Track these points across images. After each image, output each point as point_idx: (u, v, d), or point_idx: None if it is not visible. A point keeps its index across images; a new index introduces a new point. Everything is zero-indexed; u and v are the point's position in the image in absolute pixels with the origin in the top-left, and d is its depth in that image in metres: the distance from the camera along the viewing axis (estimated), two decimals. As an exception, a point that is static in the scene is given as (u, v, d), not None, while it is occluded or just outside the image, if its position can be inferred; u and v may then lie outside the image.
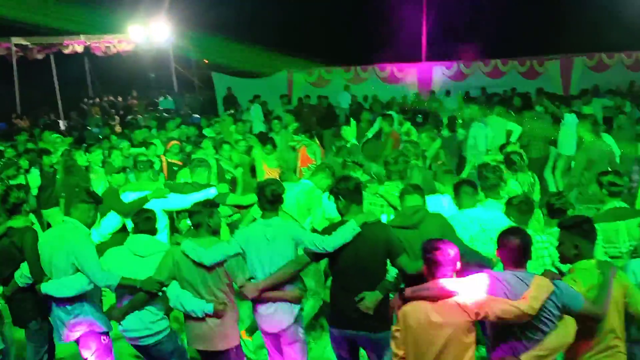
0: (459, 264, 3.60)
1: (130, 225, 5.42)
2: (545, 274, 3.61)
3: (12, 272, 4.81)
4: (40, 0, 17.36)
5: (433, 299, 3.45)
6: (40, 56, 17.97)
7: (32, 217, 5.88)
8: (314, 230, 5.13)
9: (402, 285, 3.88)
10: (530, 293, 3.35)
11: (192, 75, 22.02)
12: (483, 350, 5.14)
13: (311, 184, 6.01)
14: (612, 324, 3.57)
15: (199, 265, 4.31)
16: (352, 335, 4.26)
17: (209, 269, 4.33)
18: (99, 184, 7.61)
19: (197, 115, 15.53)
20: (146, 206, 5.68)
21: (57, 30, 17.67)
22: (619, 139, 8.10)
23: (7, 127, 15.69)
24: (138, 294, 4.47)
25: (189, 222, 4.86)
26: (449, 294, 3.42)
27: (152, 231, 4.80)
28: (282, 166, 8.60)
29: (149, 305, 4.54)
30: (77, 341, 4.67)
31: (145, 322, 4.54)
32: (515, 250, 3.54)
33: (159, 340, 4.60)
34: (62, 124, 17.40)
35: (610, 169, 5.74)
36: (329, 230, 4.36)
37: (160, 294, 4.52)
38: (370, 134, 10.10)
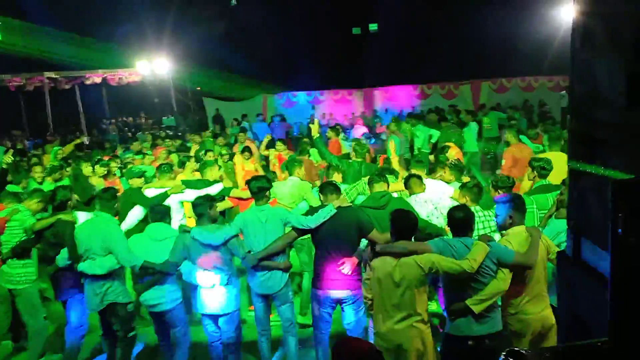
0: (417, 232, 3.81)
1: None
2: (481, 237, 3.83)
3: (56, 254, 5.03)
4: (67, 42, 18.15)
5: (397, 255, 3.65)
6: (67, 86, 19.02)
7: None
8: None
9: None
10: (471, 255, 3.55)
11: (188, 100, 22.57)
12: (434, 305, 5.48)
13: (298, 179, 6.26)
14: (538, 274, 3.78)
15: (207, 246, 4.43)
16: (334, 294, 4.45)
17: (216, 248, 4.44)
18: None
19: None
20: (167, 199, 5.88)
21: (81, 65, 18.75)
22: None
23: (43, 142, 15.59)
24: (157, 274, 4.62)
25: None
26: (410, 253, 3.62)
27: (166, 221, 4.92)
28: (257, 169, 8.64)
29: (167, 280, 4.72)
30: (104, 310, 4.80)
31: (163, 293, 4.72)
32: (460, 222, 3.76)
33: (173, 307, 4.77)
34: (85, 139, 17.32)
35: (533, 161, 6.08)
36: (311, 212, 4.68)
37: (174, 272, 4.67)
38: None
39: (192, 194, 5.73)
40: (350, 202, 5.01)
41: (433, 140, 10.69)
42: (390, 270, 3.63)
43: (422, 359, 3.70)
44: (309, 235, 4.65)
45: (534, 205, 5.21)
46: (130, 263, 4.63)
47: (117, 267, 4.69)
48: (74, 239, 4.77)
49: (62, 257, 4.94)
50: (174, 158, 9.08)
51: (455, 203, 4.77)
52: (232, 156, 9.36)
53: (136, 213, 5.82)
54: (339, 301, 4.50)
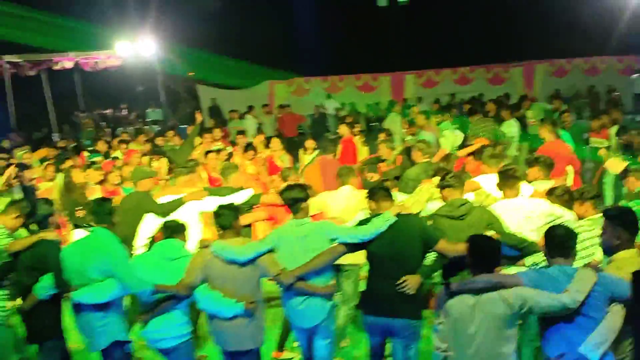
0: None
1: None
2: (589, 266, 3.66)
3: (33, 283, 4.68)
4: (31, 19, 17.11)
5: (477, 292, 3.47)
6: (32, 73, 17.66)
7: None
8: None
9: (450, 280, 3.86)
10: (573, 286, 3.34)
11: (179, 88, 21.68)
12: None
13: (351, 188, 6.03)
14: None
15: (231, 263, 4.28)
16: (386, 322, 4.26)
17: (242, 266, 4.28)
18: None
19: (185, 126, 15.98)
20: (183, 208, 5.76)
21: (48, 48, 17.53)
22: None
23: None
24: (167, 299, 4.40)
25: None
26: (494, 288, 3.43)
27: (179, 237, 4.70)
28: (259, 173, 8.56)
29: (175, 309, 4.47)
30: (102, 351, 4.53)
31: (169, 325, 4.48)
32: (560, 242, 3.54)
33: (180, 343, 4.51)
34: (55, 137, 17.58)
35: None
36: (364, 222, 4.45)
37: (189, 296, 4.45)
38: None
39: (213, 202, 5.50)
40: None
41: (458, 143, 9.89)
42: (468, 310, 3.44)
43: None
44: (360, 260, 4.72)
45: None
46: (138, 288, 4.36)
47: (122, 294, 4.52)
48: (59, 263, 4.54)
49: (42, 286, 4.61)
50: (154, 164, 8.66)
51: (550, 215, 4.62)
52: (231, 156, 9.26)
53: (150, 224, 5.76)
54: (391, 331, 4.27)
